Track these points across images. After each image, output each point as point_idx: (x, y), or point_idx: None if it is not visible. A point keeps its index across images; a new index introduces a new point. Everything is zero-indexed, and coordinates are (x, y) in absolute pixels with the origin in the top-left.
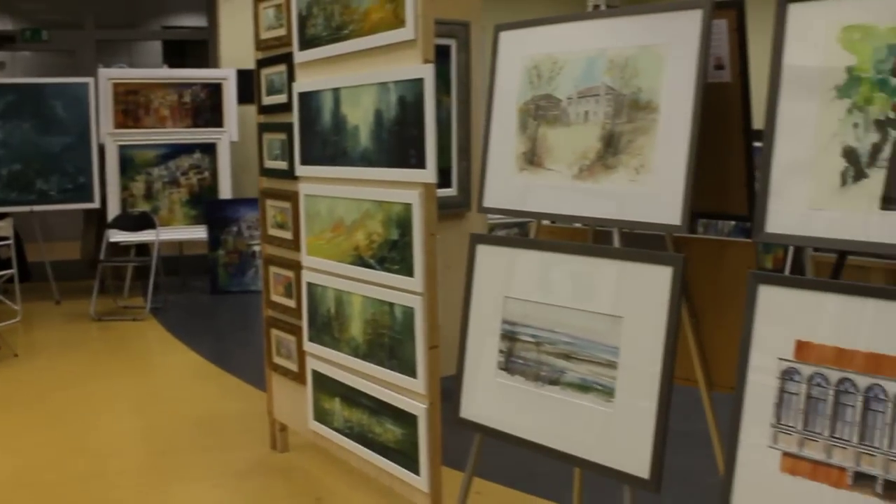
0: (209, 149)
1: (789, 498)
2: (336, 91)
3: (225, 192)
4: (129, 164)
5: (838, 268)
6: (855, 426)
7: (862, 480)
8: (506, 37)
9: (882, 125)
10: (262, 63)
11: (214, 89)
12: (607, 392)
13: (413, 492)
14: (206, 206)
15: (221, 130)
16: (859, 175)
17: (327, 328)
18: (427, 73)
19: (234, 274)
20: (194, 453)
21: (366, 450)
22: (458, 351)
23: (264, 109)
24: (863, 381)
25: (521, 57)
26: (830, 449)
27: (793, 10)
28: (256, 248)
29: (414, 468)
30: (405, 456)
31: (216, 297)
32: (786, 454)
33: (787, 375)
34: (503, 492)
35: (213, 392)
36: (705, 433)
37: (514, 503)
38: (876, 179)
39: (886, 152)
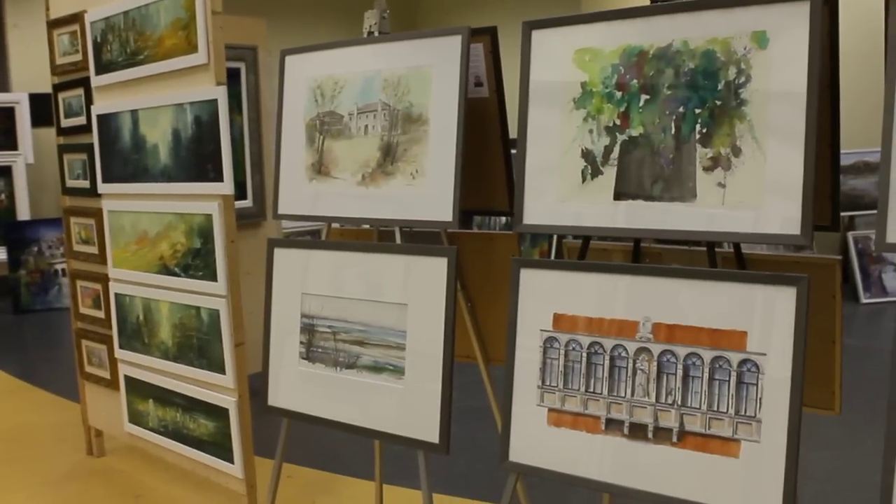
0: (5, 172)
1: (556, 446)
2: (134, 112)
3: (23, 213)
4: None
5: (584, 251)
6: (604, 381)
7: (612, 425)
8: (291, 60)
9: (611, 130)
10: (58, 87)
11: (7, 113)
12: (398, 371)
13: (229, 479)
14: (5, 227)
15: (16, 153)
16: (596, 173)
17: (137, 335)
18: (220, 94)
19: (36, 293)
20: (6, 465)
21: (181, 445)
22: (262, 349)
23: (63, 131)
24: (608, 343)
25: (305, 78)
26: (586, 402)
27: (536, 35)
28: (59, 267)
29: (228, 457)
30: (219, 447)
31: (19, 317)
32: (551, 410)
33: (548, 343)
34: (311, 473)
35: (23, 406)
36: (486, 409)
37: (321, 482)
38: (609, 176)
39: (616, 153)
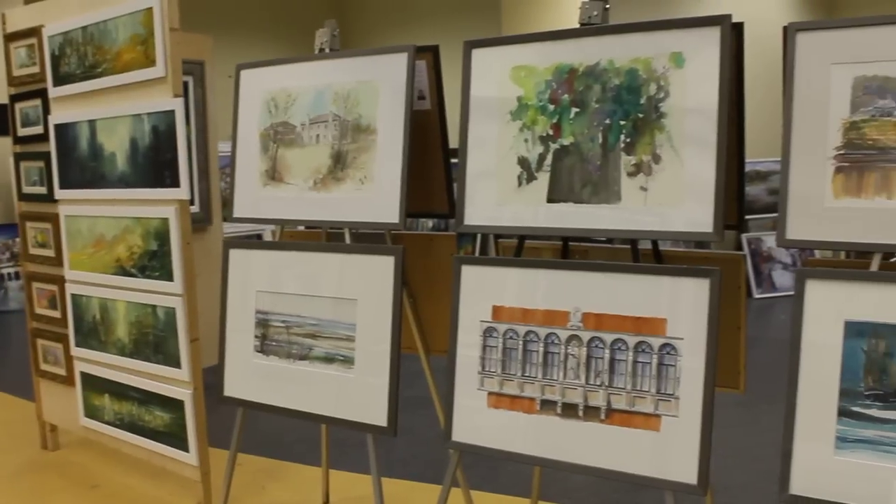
0: None
1: (496, 426)
2: (92, 122)
3: None
4: None
5: (519, 248)
6: (539, 366)
7: (546, 406)
8: (246, 74)
9: (545, 140)
10: (15, 98)
11: None
12: (349, 361)
13: (183, 467)
14: None
15: None
16: (531, 178)
17: (94, 333)
18: (178, 105)
19: None
20: None
21: (137, 437)
22: (210, 345)
23: (20, 140)
24: (542, 332)
25: (260, 91)
26: (523, 385)
27: (476, 53)
28: (6, 271)
29: (183, 447)
30: (174, 437)
31: None
32: (490, 393)
33: (488, 333)
34: (260, 461)
35: None
36: (422, 399)
37: (270, 469)
38: (543, 181)
39: (549, 160)
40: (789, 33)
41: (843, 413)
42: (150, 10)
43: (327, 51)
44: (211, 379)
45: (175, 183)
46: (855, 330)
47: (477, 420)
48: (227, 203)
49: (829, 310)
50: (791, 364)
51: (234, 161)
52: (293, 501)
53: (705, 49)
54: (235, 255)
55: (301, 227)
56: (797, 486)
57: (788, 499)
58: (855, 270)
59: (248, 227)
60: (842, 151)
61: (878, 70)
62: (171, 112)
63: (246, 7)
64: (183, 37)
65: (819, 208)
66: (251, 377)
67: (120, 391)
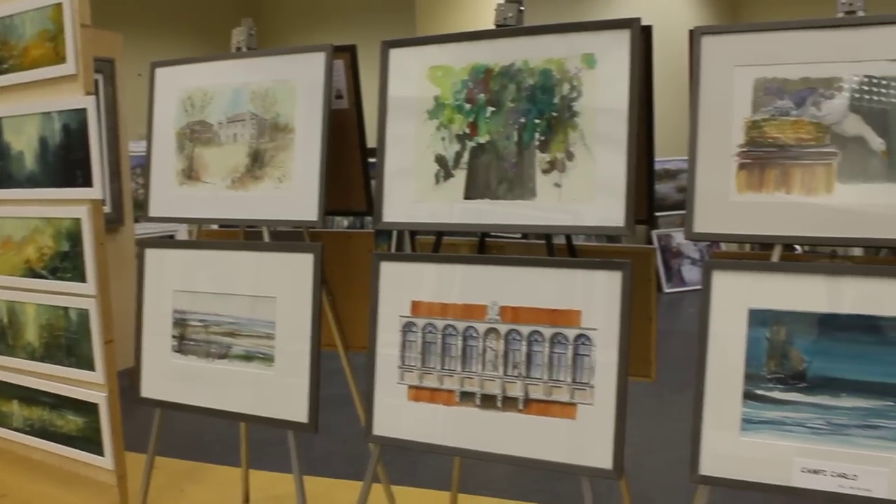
0: None
1: (417, 419)
2: None
3: None
4: None
5: (437, 245)
6: (458, 359)
7: (466, 398)
8: (161, 72)
9: (461, 138)
10: None
11: None
12: (269, 359)
13: (98, 472)
14: None
15: None
16: (448, 175)
17: (1, 338)
18: (90, 103)
19: None
20: None
21: (49, 443)
22: (130, 346)
23: None
24: (461, 326)
25: (176, 89)
26: (442, 378)
27: (393, 53)
28: None
29: (98, 451)
30: (89, 441)
31: None
32: (411, 387)
33: (407, 328)
34: (177, 463)
35: None
36: (340, 397)
37: (188, 471)
38: (459, 178)
39: (465, 158)
40: (695, 37)
41: (747, 396)
42: (59, 5)
43: (244, 50)
44: (125, 382)
45: (87, 182)
46: (758, 318)
47: (397, 414)
48: (140, 203)
49: (734, 299)
50: (699, 351)
51: (149, 160)
52: (213, 502)
53: (616, 51)
54: (151, 254)
55: (215, 226)
56: (706, 467)
57: (698, 479)
58: (757, 262)
59: (161, 228)
60: (744, 149)
61: (777, 72)
62: (83, 110)
63: (158, 5)
64: (92, 34)
65: (724, 203)
66: (169, 377)
67: (30, 396)
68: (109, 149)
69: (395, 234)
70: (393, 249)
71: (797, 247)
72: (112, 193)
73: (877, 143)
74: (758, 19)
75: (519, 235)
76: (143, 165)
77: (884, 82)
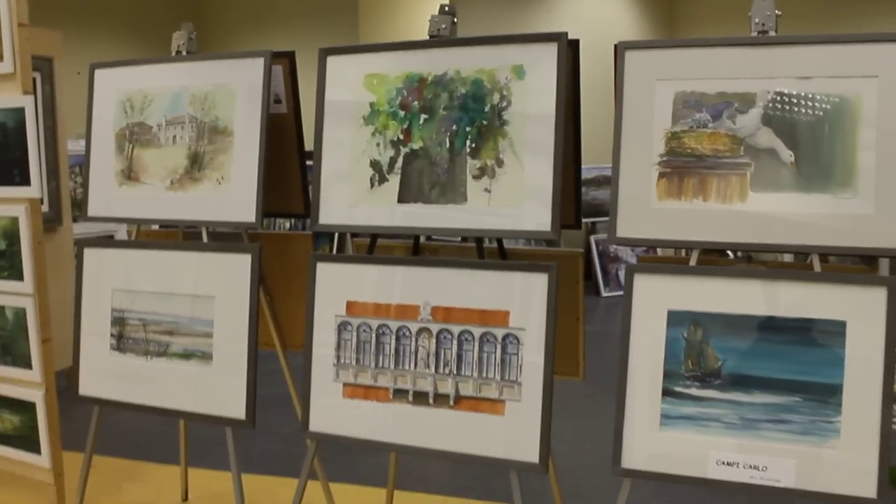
0: None
1: (352, 416)
2: None
3: None
4: None
5: (371, 247)
6: (391, 357)
7: (399, 394)
8: (101, 73)
9: (396, 144)
10: None
11: None
12: (207, 357)
13: (35, 471)
14: None
15: None
16: (382, 179)
17: None
18: (27, 102)
19: None
20: None
21: None
22: (67, 346)
23: None
24: (394, 325)
25: (115, 91)
26: (377, 375)
27: (331, 60)
28: None
29: (35, 449)
30: (25, 440)
31: None
32: (346, 384)
33: (343, 327)
34: (115, 462)
35: None
36: (278, 397)
37: (126, 469)
38: (394, 182)
39: (400, 163)
40: (619, 51)
41: (666, 393)
42: None
43: (184, 53)
44: (62, 382)
45: (25, 181)
46: (676, 318)
47: (333, 410)
48: (78, 203)
49: (654, 301)
50: (622, 351)
51: (88, 161)
52: (151, 500)
53: (544, 62)
54: (91, 254)
55: (156, 227)
56: (628, 461)
57: (621, 472)
58: (676, 265)
59: (99, 228)
60: (665, 158)
61: (695, 86)
62: (21, 109)
63: (97, 4)
64: (30, 32)
65: (646, 209)
66: (107, 375)
67: None
68: (48, 148)
69: (335, 235)
70: (334, 251)
71: (729, 252)
72: (50, 193)
73: (786, 154)
74: (693, 33)
75: (458, 239)
76: (81, 165)
77: (793, 98)
